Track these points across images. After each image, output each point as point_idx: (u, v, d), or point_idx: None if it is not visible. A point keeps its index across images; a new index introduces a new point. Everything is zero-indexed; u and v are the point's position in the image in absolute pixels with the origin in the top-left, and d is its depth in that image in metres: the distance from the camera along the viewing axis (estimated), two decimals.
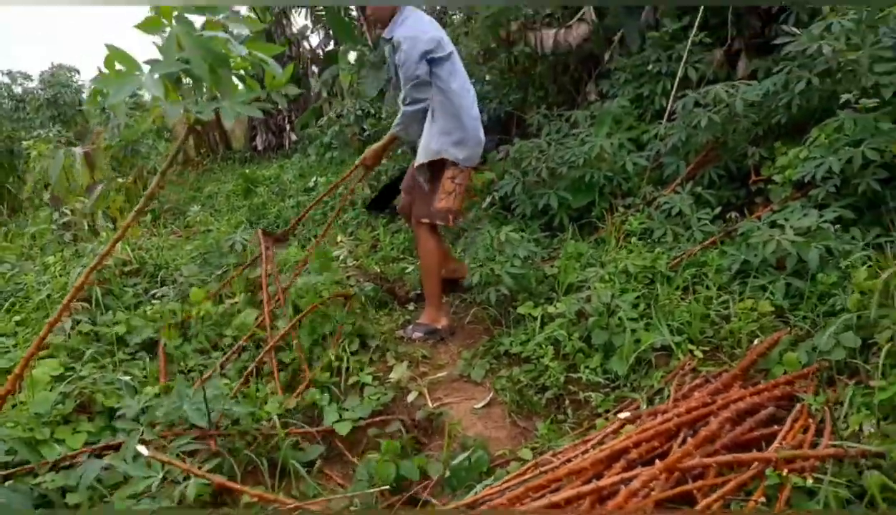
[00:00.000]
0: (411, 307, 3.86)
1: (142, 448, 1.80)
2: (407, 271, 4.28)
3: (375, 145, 3.63)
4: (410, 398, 2.75)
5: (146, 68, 1.49)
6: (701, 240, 3.61)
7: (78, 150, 3.85)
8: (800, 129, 4.00)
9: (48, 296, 3.88)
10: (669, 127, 4.42)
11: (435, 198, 3.44)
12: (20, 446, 2.23)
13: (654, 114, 4.96)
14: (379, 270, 4.30)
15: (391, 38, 3.29)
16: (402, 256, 4.75)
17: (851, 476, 1.75)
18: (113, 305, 3.84)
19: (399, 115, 3.43)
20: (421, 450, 2.46)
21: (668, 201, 3.94)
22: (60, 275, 4.30)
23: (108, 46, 1.52)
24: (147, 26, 1.43)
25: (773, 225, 3.21)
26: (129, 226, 1.60)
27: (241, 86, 1.62)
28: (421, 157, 3.43)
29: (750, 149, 4.09)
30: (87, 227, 4.60)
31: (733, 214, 3.69)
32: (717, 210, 3.82)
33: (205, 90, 1.45)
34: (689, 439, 1.81)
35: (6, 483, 2.11)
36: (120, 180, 3.66)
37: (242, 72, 1.62)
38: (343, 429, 2.52)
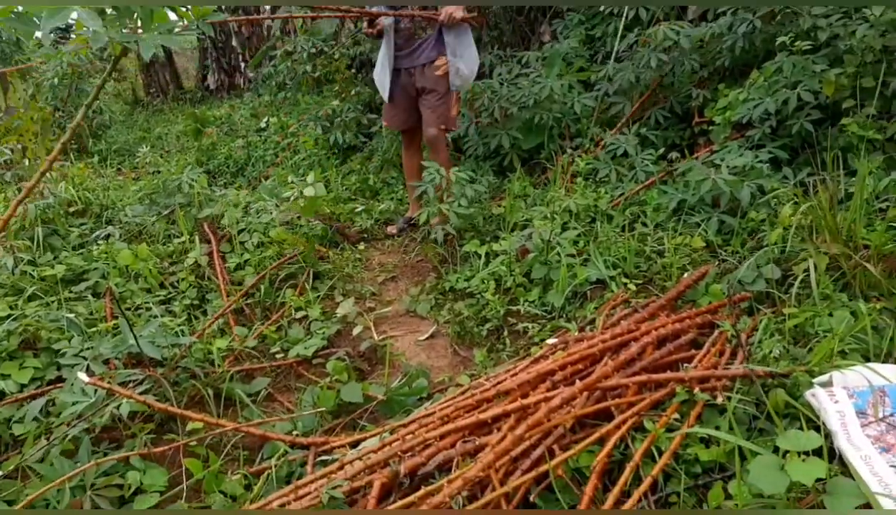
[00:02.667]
0: (361, 246, 3.90)
1: (82, 376, 1.84)
2: (357, 211, 4.31)
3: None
4: (356, 331, 2.82)
5: None
6: (643, 179, 3.71)
7: None
8: (743, 72, 4.09)
9: None
10: (617, 67, 4.46)
11: (450, 106, 3.81)
12: None
13: (605, 56, 4.99)
14: (329, 211, 4.31)
15: None
16: (353, 197, 4.76)
17: (758, 395, 1.89)
18: (58, 246, 3.80)
19: None
20: (364, 379, 2.55)
21: (613, 142, 4.02)
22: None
23: None
24: None
25: (710, 164, 3.31)
26: (54, 159, 1.59)
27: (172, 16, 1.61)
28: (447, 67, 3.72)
29: (694, 90, 4.17)
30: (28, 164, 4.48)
31: (675, 154, 3.79)
32: (661, 150, 3.92)
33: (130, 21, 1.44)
34: (611, 361, 1.92)
35: None
36: (39, 107, 3.51)
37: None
38: (307, 353, 2.64)
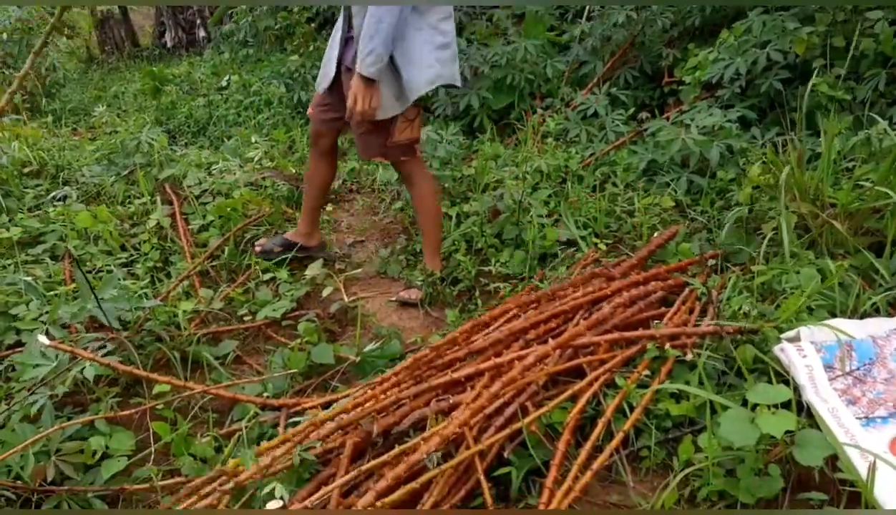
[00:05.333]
0: (329, 207, 3.84)
1: (42, 338, 1.77)
2: None
3: None
4: (325, 293, 2.77)
5: None
6: (613, 140, 3.70)
7: None
8: (713, 31, 4.07)
9: None
10: (588, 26, 4.41)
11: (391, 131, 2.57)
12: None
13: (576, 14, 4.94)
14: (295, 171, 4.22)
15: None
16: None
17: (728, 351, 1.92)
18: (13, 207, 3.66)
19: None
20: (335, 341, 2.52)
21: (584, 102, 3.99)
22: None
23: None
24: None
25: (680, 124, 3.31)
26: (2, 110, 1.50)
27: None
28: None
29: (665, 50, 4.15)
30: None
31: (645, 114, 3.78)
32: (632, 110, 3.90)
33: None
34: (583, 320, 1.92)
35: None
36: None
37: None
38: (276, 314, 2.56)
